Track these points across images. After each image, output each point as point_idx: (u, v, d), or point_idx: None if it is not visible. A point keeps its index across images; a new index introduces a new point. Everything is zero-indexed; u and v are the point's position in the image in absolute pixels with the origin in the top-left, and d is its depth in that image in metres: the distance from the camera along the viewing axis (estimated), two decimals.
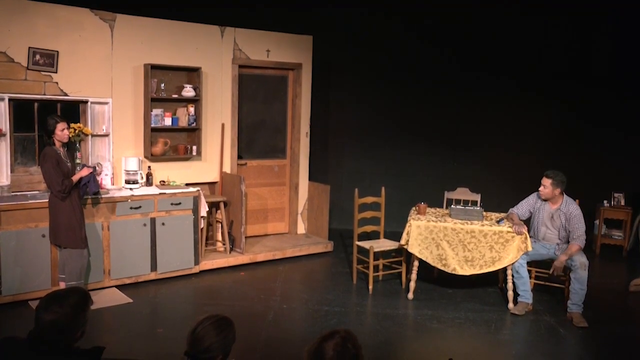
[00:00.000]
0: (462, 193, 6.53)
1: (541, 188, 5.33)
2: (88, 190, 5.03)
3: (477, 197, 6.44)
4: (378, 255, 6.03)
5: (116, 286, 5.54)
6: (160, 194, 5.79)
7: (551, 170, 5.33)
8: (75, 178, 4.82)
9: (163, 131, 6.32)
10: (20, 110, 5.55)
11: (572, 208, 5.26)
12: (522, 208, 5.52)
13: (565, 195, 5.33)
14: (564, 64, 8.08)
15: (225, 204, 6.60)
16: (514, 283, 5.34)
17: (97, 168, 5.12)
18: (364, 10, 8.07)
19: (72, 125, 5.50)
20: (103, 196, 5.39)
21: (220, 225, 6.66)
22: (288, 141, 7.51)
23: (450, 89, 8.24)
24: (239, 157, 7.04)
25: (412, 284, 5.55)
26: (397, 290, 5.84)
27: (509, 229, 5.23)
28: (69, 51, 5.63)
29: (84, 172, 4.92)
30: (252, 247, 6.80)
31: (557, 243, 5.34)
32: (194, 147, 6.44)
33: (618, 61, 8.00)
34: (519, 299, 5.32)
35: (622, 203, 7.66)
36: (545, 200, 5.37)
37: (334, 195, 7.67)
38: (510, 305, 5.33)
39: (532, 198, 5.51)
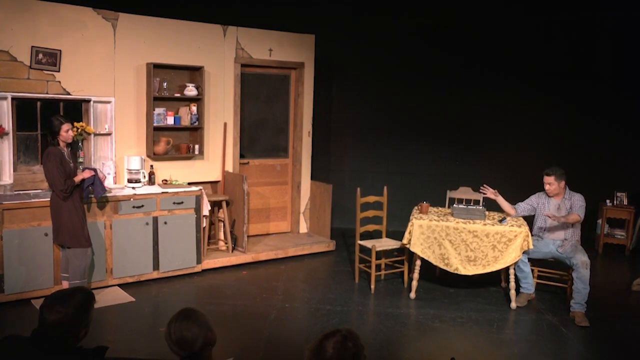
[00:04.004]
0: (464, 192, 6.53)
1: (547, 187, 5.39)
2: (94, 192, 5.03)
3: (480, 197, 6.42)
4: (380, 254, 6.03)
5: (118, 285, 5.55)
6: (162, 193, 5.80)
7: (548, 168, 5.42)
8: (77, 179, 4.82)
9: (165, 130, 6.33)
10: (23, 109, 5.55)
11: (575, 196, 5.38)
12: (524, 205, 5.59)
13: (567, 188, 5.44)
14: (567, 62, 8.07)
15: (228, 203, 6.61)
16: (516, 276, 5.37)
17: (97, 171, 5.09)
18: (366, 9, 8.07)
19: (75, 124, 5.50)
20: (105, 195, 5.39)
21: (222, 224, 6.67)
22: (290, 140, 7.51)
23: (453, 88, 8.24)
24: (241, 156, 7.04)
25: (414, 283, 5.55)
26: (399, 289, 5.84)
27: (512, 228, 5.23)
28: (71, 50, 5.63)
29: (86, 174, 4.92)
30: (254, 246, 6.80)
31: (563, 240, 5.34)
32: (196, 146, 6.44)
33: (622, 60, 7.98)
34: (521, 290, 5.42)
35: (625, 202, 7.64)
36: (551, 196, 5.44)
37: (336, 194, 7.67)
38: (513, 304, 5.33)
39: (534, 198, 5.57)
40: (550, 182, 5.35)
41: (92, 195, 5.15)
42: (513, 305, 5.33)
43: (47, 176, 4.74)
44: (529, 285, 5.39)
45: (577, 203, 5.32)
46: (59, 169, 4.66)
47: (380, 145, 8.47)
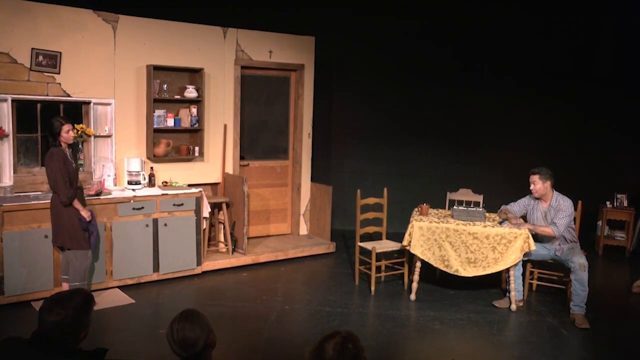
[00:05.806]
0: (464, 194, 6.53)
1: (532, 187, 5.37)
2: (90, 236, 4.88)
3: (480, 198, 6.43)
4: (380, 256, 6.02)
5: (118, 287, 5.55)
6: (162, 194, 5.80)
7: (535, 167, 5.38)
8: (80, 210, 4.75)
9: (165, 132, 6.33)
10: (23, 111, 5.56)
11: (561, 203, 5.29)
12: (516, 207, 5.59)
13: (555, 191, 5.36)
14: (568, 63, 8.08)
15: (228, 205, 6.61)
16: (508, 280, 5.37)
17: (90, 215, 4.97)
18: (366, 11, 8.07)
19: (75, 126, 5.49)
20: (105, 197, 5.39)
21: (222, 226, 6.67)
22: (290, 142, 7.51)
23: (453, 89, 8.24)
24: (241, 157, 7.04)
25: (415, 285, 5.54)
26: (400, 291, 5.84)
27: (512, 230, 5.23)
28: (71, 52, 5.64)
29: (85, 214, 4.80)
30: (254, 248, 6.80)
31: (558, 243, 5.35)
32: (197, 148, 6.45)
33: (622, 61, 7.99)
34: (508, 294, 5.41)
35: (625, 204, 7.64)
36: (538, 198, 5.41)
37: (336, 196, 7.67)
38: (513, 306, 5.32)
39: (525, 199, 5.57)
40: (535, 181, 5.31)
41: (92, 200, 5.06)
42: (513, 307, 5.32)
43: (49, 177, 4.72)
44: (516, 291, 5.37)
45: (560, 214, 5.24)
46: (62, 171, 4.64)
47: (380, 147, 8.48)
